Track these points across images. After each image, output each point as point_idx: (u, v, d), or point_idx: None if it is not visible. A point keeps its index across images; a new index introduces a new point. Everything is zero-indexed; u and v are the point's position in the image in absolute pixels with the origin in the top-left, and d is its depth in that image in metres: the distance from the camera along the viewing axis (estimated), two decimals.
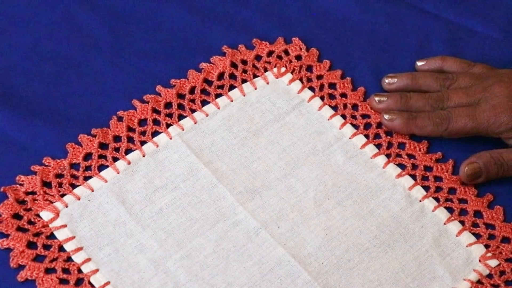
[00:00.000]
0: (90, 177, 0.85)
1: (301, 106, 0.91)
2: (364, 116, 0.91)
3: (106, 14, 0.97)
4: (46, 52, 0.93)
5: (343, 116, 0.91)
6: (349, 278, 0.81)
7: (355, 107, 0.92)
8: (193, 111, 0.90)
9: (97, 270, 0.80)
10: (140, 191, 0.84)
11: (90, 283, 0.79)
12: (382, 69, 0.95)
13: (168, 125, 0.89)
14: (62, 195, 0.83)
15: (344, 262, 0.81)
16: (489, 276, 0.82)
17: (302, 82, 0.93)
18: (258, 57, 0.95)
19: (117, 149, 0.87)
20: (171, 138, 0.88)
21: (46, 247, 0.80)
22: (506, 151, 0.87)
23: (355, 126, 0.91)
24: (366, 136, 0.90)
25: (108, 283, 0.79)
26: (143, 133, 0.88)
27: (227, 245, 0.82)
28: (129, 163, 0.86)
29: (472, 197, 0.86)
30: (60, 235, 0.81)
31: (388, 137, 0.90)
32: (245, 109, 0.91)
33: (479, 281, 0.82)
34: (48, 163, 0.85)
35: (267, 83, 0.93)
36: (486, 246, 0.84)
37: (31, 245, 0.80)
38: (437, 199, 0.86)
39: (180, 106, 0.90)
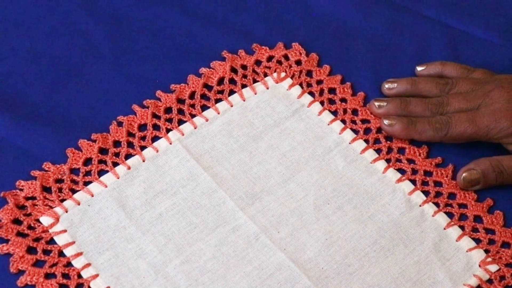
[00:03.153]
0: (90, 182, 0.85)
1: (301, 111, 0.91)
2: (364, 121, 0.91)
3: (106, 20, 0.97)
4: (46, 58, 0.93)
5: (343, 121, 0.91)
6: (349, 283, 0.81)
7: (355, 112, 0.92)
8: (193, 116, 0.90)
9: (97, 275, 0.79)
10: (140, 196, 0.84)
11: None
12: (382, 74, 0.95)
13: (168, 130, 0.89)
14: (62, 200, 0.83)
15: (344, 267, 0.81)
16: (489, 281, 0.82)
17: (302, 87, 0.93)
18: (258, 62, 0.95)
19: (117, 154, 0.87)
20: (171, 143, 0.88)
21: (46, 252, 0.80)
22: (506, 158, 0.87)
23: (355, 131, 0.91)
24: (366, 141, 0.90)
25: None
26: (143, 138, 0.88)
27: (227, 250, 0.82)
28: (129, 168, 0.86)
29: (472, 202, 0.86)
30: (60, 240, 0.81)
31: (388, 142, 0.90)
32: (245, 114, 0.91)
33: (479, 286, 0.82)
34: (48, 168, 0.85)
35: (267, 88, 0.93)
36: (486, 251, 0.84)
37: (31, 250, 0.80)
38: (437, 204, 0.86)
39: (180, 111, 0.90)
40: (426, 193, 0.87)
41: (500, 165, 0.86)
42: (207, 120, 0.90)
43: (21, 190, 0.83)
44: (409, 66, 0.96)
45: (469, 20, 1.00)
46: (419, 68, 0.95)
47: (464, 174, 0.86)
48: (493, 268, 0.83)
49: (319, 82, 0.94)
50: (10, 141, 0.87)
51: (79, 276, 0.79)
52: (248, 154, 0.88)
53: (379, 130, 0.91)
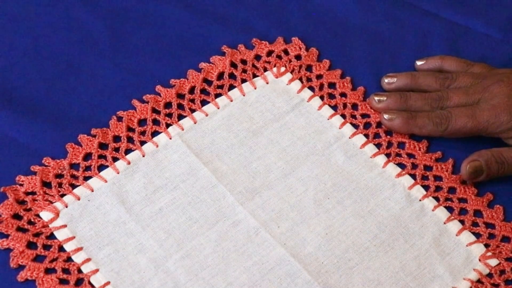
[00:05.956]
0: (90, 177, 0.85)
1: (300, 105, 0.91)
2: (363, 115, 0.91)
3: (106, 14, 0.97)
4: (46, 52, 0.93)
5: (343, 116, 0.91)
6: (349, 278, 0.81)
7: (354, 106, 0.92)
8: (192, 111, 0.90)
9: (97, 270, 0.80)
10: (140, 191, 0.84)
11: (90, 283, 0.79)
12: (382, 69, 0.95)
13: (167, 125, 0.89)
14: (62, 195, 0.83)
15: (344, 262, 0.81)
16: (489, 275, 0.82)
17: (302, 82, 0.93)
18: (257, 57, 0.95)
19: (117, 149, 0.87)
20: (170, 138, 0.88)
21: (46, 247, 0.80)
22: (506, 150, 0.87)
23: (355, 126, 0.91)
24: (366, 135, 0.90)
25: (108, 283, 0.79)
26: (142, 133, 0.88)
27: (227, 245, 0.82)
28: (129, 163, 0.86)
29: (472, 196, 0.86)
30: (60, 235, 0.81)
31: (388, 136, 0.90)
32: (245, 108, 0.91)
33: (479, 281, 0.82)
34: (48, 163, 0.85)
35: (267, 83, 0.93)
36: (486, 246, 0.84)
37: (31, 245, 0.80)
38: (437, 199, 0.86)
39: (180, 106, 0.90)
40: (426, 187, 0.87)
41: (501, 155, 0.86)
42: (207, 115, 0.90)
43: (21, 185, 0.83)
44: (409, 61, 0.96)
45: (469, 14, 1.00)
46: (418, 63, 0.95)
47: (468, 166, 0.86)
48: (493, 262, 0.83)
49: (319, 76, 0.94)
50: (10, 136, 0.87)
51: (79, 271, 0.79)
52: (248, 149, 0.88)
53: (379, 124, 0.91)
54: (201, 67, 0.93)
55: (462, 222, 0.85)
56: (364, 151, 0.89)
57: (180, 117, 0.90)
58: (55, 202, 0.83)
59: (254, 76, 0.93)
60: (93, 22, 0.96)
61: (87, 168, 0.85)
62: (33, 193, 0.83)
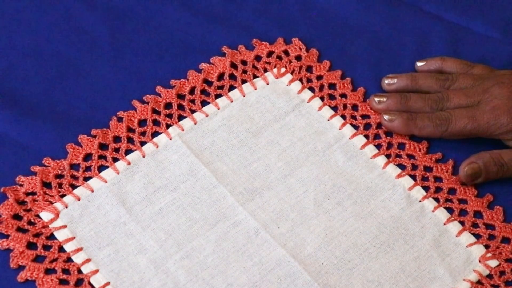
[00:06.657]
0: (90, 178, 0.85)
1: (301, 106, 0.91)
2: (364, 116, 0.91)
3: (106, 15, 0.97)
4: (46, 53, 0.93)
5: (343, 117, 0.91)
6: (349, 279, 0.81)
7: (355, 107, 0.92)
8: (193, 111, 0.90)
9: (97, 271, 0.80)
10: (140, 192, 0.84)
11: (90, 283, 0.79)
12: (382, 70, 0.95)
13: (168, 126, 0.89)
14: (62, 196, 0.83)
15: (344, 263, 0.81)
16: (489, 276, 0.82)
17: (302, 83, 0.93)
18: (258, 58, 0.95)
19: (117, 150, 0.87)
20: (171, 139, 0.88)
21: (46, 247, 0.80)
22: (506, 152, 0.87)
23: (355, 127, 0.91)
24: (366, 136, 0.90)
25: (108, 283, 0.79)
26: (143, 133, 0.88)
27: (227, 246, 0.82)
28: (129, 163, 0.86)
29: (472, 197, 0.86)
30: (60, 235, 0.81)
31: (388, 137, 0.90)
32: (245, 109, 0.91)
33: (479, 282, 0.82)
34: (48, 164, 0.85)
35: (267, 84, 0.93)
36: (486, 247, 0.84)
37: (31, 245, 0.80)
38: (437, 200, 0.86)
39: (180, 107, 0.90)
40: (426, 188, 0.87)
41: (500, 158, 0.86)
42: (207, 116, 0.90)
43: (21, 185, 0.83)
44: (409, 62, 0.96)
45: (469, 15, 1.00)
46: (419, 64, 0.95)
47: (466, 168, 0.86)
48: (493, 263, 0.83)
49: (319, 77, 0.94)
50: (10, 137, 0.87)
51: (79, 271, 0.79)
52: (248, 149, 0.88)
53: (379, 125, 0.91)
54: (201, 67, 0.93)
55: (462, 223, 0.85)
56: (364, 152, 0.89)
57: (180, 117, 0.90)
58: (55, 202, 0.83)
59: (255, 77, 0.93)
60: (93, 22, 0.96)
61: (87, 169, 0.85)
62: (33, 193, 0.83)
